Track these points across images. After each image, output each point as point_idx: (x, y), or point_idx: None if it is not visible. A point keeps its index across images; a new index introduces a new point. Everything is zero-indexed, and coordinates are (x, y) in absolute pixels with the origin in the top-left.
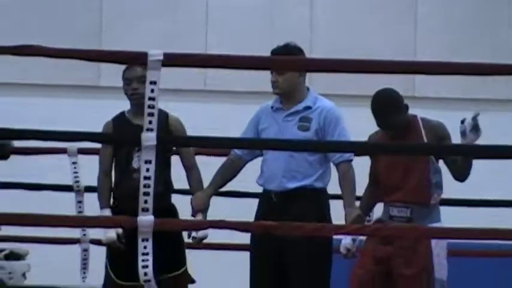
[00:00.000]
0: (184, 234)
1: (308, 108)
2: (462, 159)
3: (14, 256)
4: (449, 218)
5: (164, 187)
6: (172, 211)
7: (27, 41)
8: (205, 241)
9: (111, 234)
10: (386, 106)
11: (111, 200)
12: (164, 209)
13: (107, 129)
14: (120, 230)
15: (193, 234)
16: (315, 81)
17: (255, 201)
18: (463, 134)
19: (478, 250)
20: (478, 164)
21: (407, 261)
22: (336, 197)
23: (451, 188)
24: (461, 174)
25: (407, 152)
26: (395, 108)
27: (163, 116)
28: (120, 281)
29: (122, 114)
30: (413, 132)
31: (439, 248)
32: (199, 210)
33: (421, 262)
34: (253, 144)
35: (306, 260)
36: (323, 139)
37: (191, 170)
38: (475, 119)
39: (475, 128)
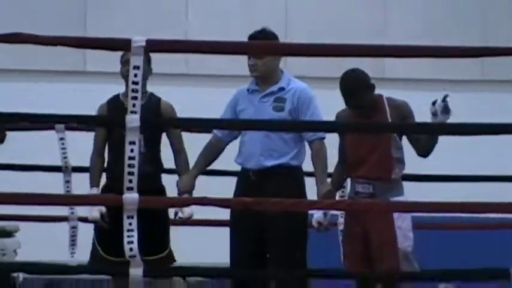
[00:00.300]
0: (171, 213)
1: (282, 89)
2: (425, 137)
3: (4, 233)
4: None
5: (154, 168)
6: (162, 191)
7: (12, 28)
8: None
9: (95, 213)
10: (354, 86)
11: (105, 180)
12: (154, 189)
13: (101, 112)
14: (103, 209)
15: (180, 214)
16: (289, 64)
17: (233, 179)
18: (434, 114)
19: (449, 223)
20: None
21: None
22: (309, 174)
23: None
24: (425, 151)
25: (376, 130)
26: (363, 88)
27: (155, 100)
28: (108, 256)
29: (117, 96)
30: (378, 111)
31: (401, 221)
32: (185, 192)
33: (383, 234)
34: (233, 125)
35: (284, 234)
36: (297, 118)
37: (179, 153)
38: (445, 100)
39: (446, 109)
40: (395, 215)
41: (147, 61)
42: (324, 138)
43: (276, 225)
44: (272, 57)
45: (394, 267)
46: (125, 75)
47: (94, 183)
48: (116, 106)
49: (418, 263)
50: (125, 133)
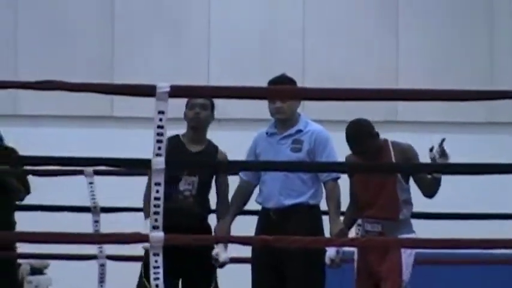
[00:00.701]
0: None
1: (300, 131)
2: (430, 179)
3: (36, 270)
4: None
5: (202, 209)
6: (208, 230)
7: (41, 74)
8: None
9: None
10: (357, 135)
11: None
12: (201, 228)
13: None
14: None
15: (216, 260)
16: (305, 108)
17: (254, 219)
18: (433, 160)
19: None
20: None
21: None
22: (325, 213)
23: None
24: (430, 192)
25: (384, 171)
26: (365, 136)
27: (213, 148)
28: None
29: (177, 137)
30: (383, 155)
31: (406, 255)
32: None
33: (392, 264)
34: (259, 167)
35: (302, 270)
36: (314, 159)
37: (223, 199)
38: (441, 145)
39: (443, 153)
40: (403, 249)
41: (211, 107)
42: (338, 178)
43: (295, 261)
44: (295, 100)
45: None
46: (189, 118)
47: (147, 214)
48: (176, 146)
49: None
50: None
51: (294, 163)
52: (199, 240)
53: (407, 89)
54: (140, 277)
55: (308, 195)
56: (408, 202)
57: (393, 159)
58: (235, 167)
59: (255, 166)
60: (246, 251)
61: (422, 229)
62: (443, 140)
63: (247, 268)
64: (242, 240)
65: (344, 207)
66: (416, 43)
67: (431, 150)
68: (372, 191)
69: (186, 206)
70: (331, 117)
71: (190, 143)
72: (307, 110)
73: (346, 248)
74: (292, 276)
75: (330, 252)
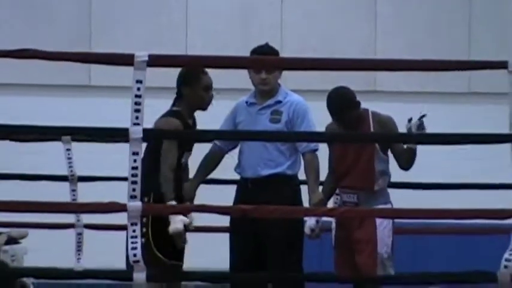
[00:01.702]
0: None
1: (279, 102)
2: (406, 151)
3: (11, 240)
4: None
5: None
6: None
7: (20, 45)
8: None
9: (179, 225)
10: (339, 104)
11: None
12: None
13: (176, 127)
14: (187, 220)
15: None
16: (284, 78)
17: (233, 188)
18: (409, 131)
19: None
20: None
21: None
22: (304, 183)
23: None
24: (406, 164)
25: (361, 140)
26: (346, 106)
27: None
28: (171, 261)
29: (178, 112)
30: (363, 124)
31: (382, 227)
32: (188, 199)
33: (366, 236)
34: (234, 136)
35: (281, 239)
36: (292, 130)
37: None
38: (421, 119)
39: (420, 127)
40: (378, 221)
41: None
42: (316, 150)
43: (273, 231)
44: (278, 72)
45: (370, 269)
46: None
47: (171, 196)
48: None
49: (395, 268)
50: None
51: (273, 133)
52: (176, 209)
53: (387, 59)
54: (148, 249)
55: (286, 166)
56: (385, 173)
57: (372, 130)
58: (216, 136)
59: (234, 135)
60: (224, 220)
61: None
62: (423, 115)
63: (224, 237)
64: (220, 210)
65: (323, 177)
66: (394, 14)
67: (409, 121)
68: (349, 161)
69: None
70: (311, 87)
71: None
72: (288, 80)
73: (325, 218)
74: (270, 245)
75: (310, 222)
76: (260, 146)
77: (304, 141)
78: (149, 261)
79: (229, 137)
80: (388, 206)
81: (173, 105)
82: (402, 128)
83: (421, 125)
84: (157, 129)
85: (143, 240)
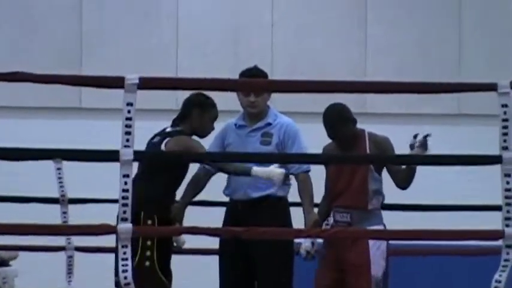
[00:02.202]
0: None
1: (269, 124)
2: (404, 171)
3: (1, 262)
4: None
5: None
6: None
7: (10, 66)
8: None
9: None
10: (334, 119)
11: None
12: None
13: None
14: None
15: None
16: (274, 100)
17: (221, 210)
18: (411, 147)
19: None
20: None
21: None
22: (297, 204)
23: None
24: (403, 183)
25: (354, 161)
26: (343, 121)
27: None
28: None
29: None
30: (359, 144)
31: (375, 248)
32: (176, 221)
33: (359, 257)
34: (226, 158)
35: (271, 261)
36: (283, 152)
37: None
38: (425, 138)
39: (423, 145)
40: (371, 242)
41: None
42: (308, 171)
43: (263, 252)
44: (267, 94)
45: None
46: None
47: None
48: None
49: None
50: None
51: (266, 155)
52: (167, 231)
53: (377, 81)
54: (153, 272)
55: (276, 187)
56: (379, 192)
57: (368, 150)
58: (209, 157)
59: (225, 158)
60: (213, 242)
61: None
62: (428, 134)
63: (214, 260)
64: (211, 232)
65: (317, 198)
66: (384, 35)
67: (414, 137)
68: (344, 180)
69: None
70: (300, 109)
71: None
72: (277, 102)
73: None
74: (260, 266)
75: (306, 243)
76: None
77: (297, 163)
78: (153, 284)
79: (221, 159)
80: (381, 227)
81: (174, 125)
82: (398, 149)
83: (424, 144)
84: (147, 152)
85: (147, 263)
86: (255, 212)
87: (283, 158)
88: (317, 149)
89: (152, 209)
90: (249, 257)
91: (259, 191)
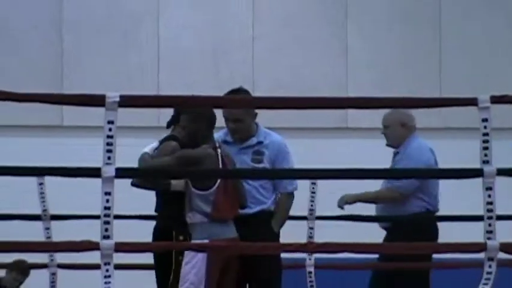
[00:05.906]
0: None
1: (260, 143)
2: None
3: None
4: None
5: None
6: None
7: None
8: None
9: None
10: None
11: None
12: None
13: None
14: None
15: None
16: (258, 115)
17: None
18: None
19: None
20: None
21: None
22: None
23: None
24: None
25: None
26: None
27: None
28: None
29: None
30: None
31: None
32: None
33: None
34: (218, 174)
35: (265, 272)
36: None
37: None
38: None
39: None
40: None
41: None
42: (292, 192)
43: (255, 266)
44: (249, 118)
45: None
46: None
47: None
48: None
49: None
50: None
51: (260, 170)
52: (159, 247)
53: (358, 97)
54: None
55: (270, 202)
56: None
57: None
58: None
59: (222, 174)
60: None
61: None
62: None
63: None
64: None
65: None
66: (365, 49)
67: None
68: None
69: None
70: (284, 125)
71: None
72: (260, 117)
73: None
74: (254, 278)
75: None
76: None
77: (290, 179)
78: None
79: (213, 174)
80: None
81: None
82: (380, 161)
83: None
84: (130, 168)
85: (171, 278)
86: (248, 226)
87: (277, 174)
88: (300, 163)
89: (179, 226)
90: (243, 269)
91: (254, 206)
